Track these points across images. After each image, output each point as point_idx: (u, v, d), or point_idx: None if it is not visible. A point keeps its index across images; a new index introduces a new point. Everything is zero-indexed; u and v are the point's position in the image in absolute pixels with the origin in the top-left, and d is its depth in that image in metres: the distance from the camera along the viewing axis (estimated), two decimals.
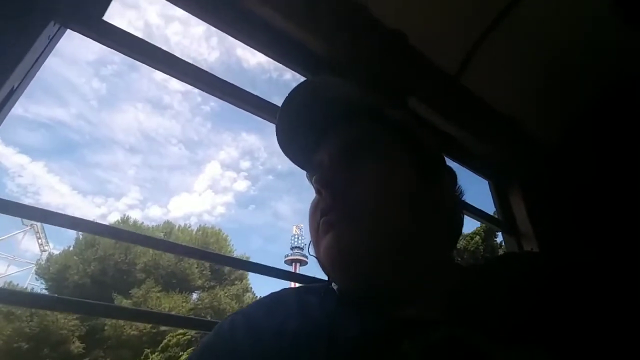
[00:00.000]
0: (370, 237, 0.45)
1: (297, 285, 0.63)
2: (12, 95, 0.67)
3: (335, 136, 0.55)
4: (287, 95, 0.56)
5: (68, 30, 0.75)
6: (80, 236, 20.47)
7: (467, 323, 0.40)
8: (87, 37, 0.76)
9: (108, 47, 0.79)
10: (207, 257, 0.98)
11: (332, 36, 1.06)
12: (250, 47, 1.06)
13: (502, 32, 1.40)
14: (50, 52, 0.73)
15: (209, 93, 0.98)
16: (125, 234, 0.86)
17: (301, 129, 0.57)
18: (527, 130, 1.68)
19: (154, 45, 0.85)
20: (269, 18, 0.99)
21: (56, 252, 22.22)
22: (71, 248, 20.69)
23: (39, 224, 29.97)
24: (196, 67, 0.92)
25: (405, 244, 0.46)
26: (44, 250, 28.92)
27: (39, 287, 20.76)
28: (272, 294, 0.54)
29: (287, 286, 0.59)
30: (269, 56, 1.09)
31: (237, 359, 0.41)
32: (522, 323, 0.40)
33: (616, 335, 0.40)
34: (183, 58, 0.89)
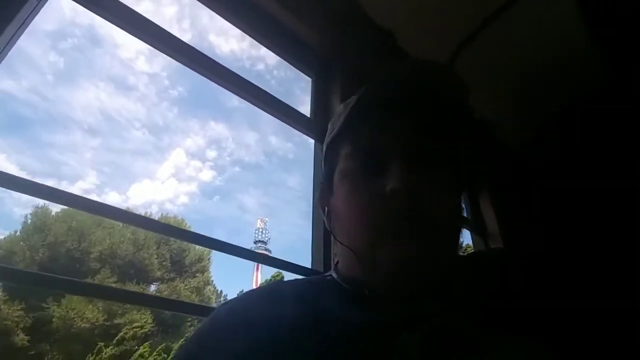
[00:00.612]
0: (438, 252, 0.46)
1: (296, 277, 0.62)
2: None
3: (415, 132, 0.50)
4: (419, 62, 0.51)
5: None
6: (29, 221, 19.25)
7: (458, 313, 0.42)
8: None
9: (90, 10, 0.74)
10: (176, 233, 0.94)
11: (324, 28, 1.06)
12: (237, 26, 1.03)
13: (483, 40, 1.46)
14: (36, 15, 0.68)
15: (186, 65, 0.95)
16: (90, 204, 0.80)
17: (385, 105, 0.51)
18: (499, 135, 1.75)
19: (134, 10, 0.80)
20: (263, 2, 0.97)
21: (1, 237, 20.77)
22: (17, 233, 19.41)
23: None
24: (175, 37, 0.88)
25: (452, 253, 0.50)
26: None
27: None
28: (269, 285, 0.53)
29: (253, 273, 0.57)
30: (255, 39, 1.07)
31: (234, 347, 0.41)
32: (508, 313, 0.44)
33: (592, 320, 0.43)
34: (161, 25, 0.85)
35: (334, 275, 0.53)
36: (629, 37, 1.46)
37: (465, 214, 1.76)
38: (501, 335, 0.41)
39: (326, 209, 0.57)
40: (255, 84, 0.99)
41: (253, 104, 1.00)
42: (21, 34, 0.67)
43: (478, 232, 1.63)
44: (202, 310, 0.84)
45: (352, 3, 1.13)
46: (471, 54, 1.49)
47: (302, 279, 0.56)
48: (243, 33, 1.08)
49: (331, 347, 0.39)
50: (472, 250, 1.79)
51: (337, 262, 0.55)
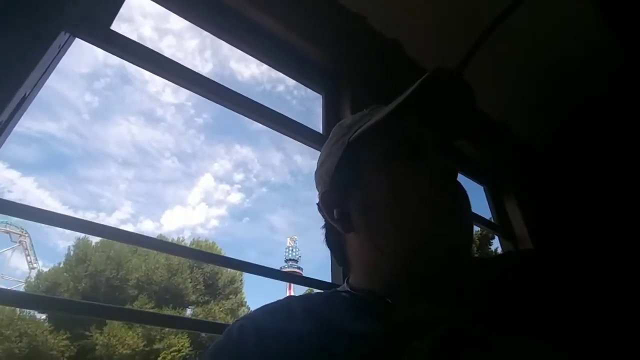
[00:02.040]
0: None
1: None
2: (23, 103, 0.69)
3: (451, 131, 0.60)
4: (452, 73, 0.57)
5: (76, 40, 0.78)
6: (71, 252, 20.11)
7: (470, 314, 0.42)
8: (95, 45, 0.78)
9: (115, 55, 0.81)
10: (206, 257, 0.98)
11: (331, 44, 1.10)
12: (250, 54, 1.09)
13: (493, 42, 1.45)
14: (60, 60, 0.75)
15: (210, 99, 1.01)
16: (124, 235, 0.86)
17: (444, 99, 0.57)
18: (518, 135, 1.72)
19: (160, 54, 0.87)
20: (270, 27, 1.02)
21: (45, 269, 21.77)
22: (61, 265, 20.28)
23: (27, 240, 29.45)
24: (198, 73, 0.95)
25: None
26: (33, 268, 28.33)
27: None
28: (278, 301, 0.54)
29: (286, 291, 0.59)
30: (267, 63, 1.13)
31: None
32: (520, 314, 0.43)
33: (606, 323, 0.42)
34: (184, 64, 0.92)
35: (347, 287, 0.54)
36: None
37: (490, 217, 1.73)
38: (515, 335, 0.40)
39: (335, 211, 0.56)
40: (270, 105, 1.04)
41: (266, 125, 1.05)
42: (46, 79, 0.73)
43: (505, 235, 1.59)
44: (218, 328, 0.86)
45: (356, 17, 1.17)
46: (483, 56, 1.49)
47: (314, 293, 0.57)
48: None
49: (341, 358, 0.40)
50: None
51: (349, 277, 0.56)
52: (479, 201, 1.81)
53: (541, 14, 1.43)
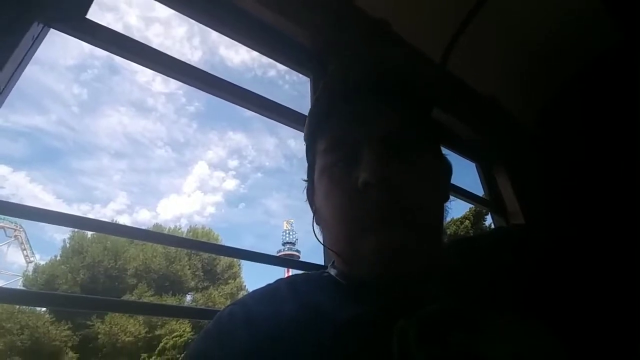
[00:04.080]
0: (421, 238, 0.45)
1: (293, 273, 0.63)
2: None
3: (379, 119, 0.49)
4: (345, 55, 0.53)
5: (50, 32, 0.75)
6: (67, 244, 20.08)
7: (460, 295, 0.42)
8: (71, 35, 0.75)
9: (92, 44, 0.78)
10: (203, 247, 0.99)
11: (318, 27, 1.07)
12: (236, 40, 1.06)
13: (482, 17, 1.43)
14: (34, 52, 0.72)
15: (197, 87, 0.98)
16: (121, 229, 0.86)
17: (348, 95, 0.52)
18: (509, 111, 1.72)
19: (139, 41, 0.84)
20: (255, 11, 0.99)
21: (43, 262, 21.75)
22: (58, 257, 20.27)
23: (23, 234, 29.28)
24: (182, 61, 0.92)
25: (439, 237, 0.49)
26: (30, 262, 28.25)
27: None
28: (268, 285, 0.54)
29: (284, 274, 0.59)
30: (255, 49, 1.10)
31: (237, 347, 0.42)
32: (513, 294, 0.43)
33: (598, 304, 0.42)
34: (167, 53, 0.89)
35: (331, 271, 0.53)
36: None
37: (483, 193, 1.74)
38: (503, 314, 0.40)
39: (314, 207, 0.56)
40: (261, 90, 1.02)
41: (257, 112, 1.03)
42: (22, 71, 0.70)
43: (497, 211, 1.61)
44: (209, 314, 0.87)
45: (344, 0, 1.14)
46: (472, 32, 1.47)
47: (301, 275, 0.57)
48: None
49: (330, 341, 0.40)
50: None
51: (334, 260, 0.56)
52: (471, 178, 1.83)
53: None
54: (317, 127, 0.55)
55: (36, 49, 0.73)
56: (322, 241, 0.54)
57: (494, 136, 1.68)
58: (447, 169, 0.56)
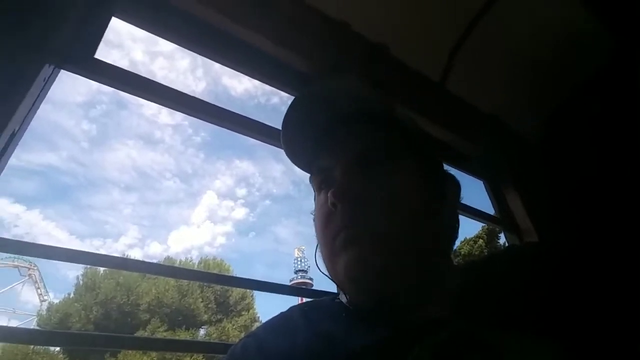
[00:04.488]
0: (391, 254, 0.44)
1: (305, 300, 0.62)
2: (12, 139, 0.69)
3: (347, 142, 0.52)
4: (292, 100, 0.55)
5: (61, 71, 0.78)
6: (80, 282, 20.10)
7: (473, 318, 0.41)
8: (81, 75, 0.79)
9: (102, 83, 0.82)
10: (215, 279, 0.98)
11: (317, 54, 1.10)
12: (238, 71, 1.09)
13: (478, 35, 1.46)
14: (46, 93, 0.76)
15: (202, 119, 1.01)
16: (133, 264, 0.87)
17: (308, 129, 0.55)
18: (513, 127, 1.72)
19: (146, 78, 0.88)
20: (255, 42, 1.03)
21: (56, 300, 21.75)
22: (71, 295, 20.26)
23: (37, 273, 29.47)
24: (188, 95, 0.95)
25: (421, 255, 0.47)
26: (44, 300, 28.29)
27: None
28: (280, 314, 0.55)
29: (298, 302, 0.59)
30: (257, 79, 1.13)
31: None
32: (528, 314, 0.41)
33: (615, 323, 0.41)
34: (173, 87, 0.92)
35: (342, 297, 0.53)
36: (629, 8, 1.43)
37: (493, 212, 1.71)
38: (519, 336, 0.39)
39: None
40: (265, 117, 1.05)
41: (261, 140, 1.05)
42: (35, 112, 0.73)
43: (509, 228, 1.58)
44: (223, 348, 0.86)
45: (341, 25, 1.18)
46: (470, 51, 1.49)
47: (313, 302, 0.57)
48: None
49: None
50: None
51: None
52: (482, 196, 1.81)
53: (524, 9, 1.44)
54: (303, 159, 0.58)
55: (48, 90, 0.76)
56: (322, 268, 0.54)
57: (500, 153, 1.68)
58: (440, 186, 0.54)
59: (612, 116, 1.53)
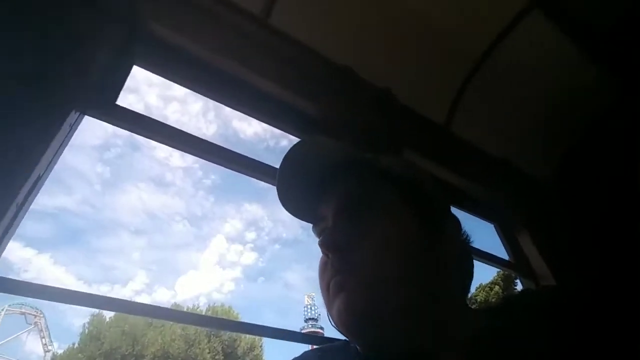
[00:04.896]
0: (381, 300, 0.44)
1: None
2: (38, 183, 0.72)
3: (335, 192, 0.54)
4: (285, 153, 0.58)
5: (85, 117, 0.84)
6: (86, 330, 19.64)
7: None
8: (103, 120, 0.85)
9: (122, 128, 0.87)
10: (223, 325, 0.97)
11: (324, 99, 1.15)
12: (247, 114, 1.15)
13: (482, 79, 1.52)
14: (71, 138, 0.80)
15: (213, 162, 1.05)
16: (137, 307, 0.86)
17: (300, 184, 0.57)
18: (523, 170, 1.72)
19: (161, 122, 0.93)
20: (264, 88, 1.09)
21: (60, 351, 21.16)
22: (75, 345, 19.72)
23: (42, 321, 28.95)
24: (199, 138, 1.00)
25: (417, 301, 0.46)
26: (48, 350, 27.54)
27: None
28: (295, 359, 0.55)
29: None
30: (265, 122, 1.19)
31: None
32: None
33: None
34: (188, 132, 0.97)
35: None
36: (625, 52, 1.48)
37: (507, 257, 1.67)
38: None
39: None
40: (275, 161, 1.09)
41: (271, 184, 1.08)
42: (59, 157, 0.77)
43: (524, 273, 1.53)
44: None
45: (346, 70, 1.24)
46: (475, 94, 1.54)
47: (328, 346, 0.58)
48: None
49: None
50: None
51: None
52: (493, 240, 1.77)
53: (527, 52, 1.50)
54: (303, 212, 0.60)
55: (72, 136, 0.81)
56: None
57: (510, 196, 1.67)
58: (439, 229, 0.53)
59: (622, 155, 1.53)
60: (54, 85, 0.73)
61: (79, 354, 18.95)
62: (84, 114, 0.81)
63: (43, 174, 0.73)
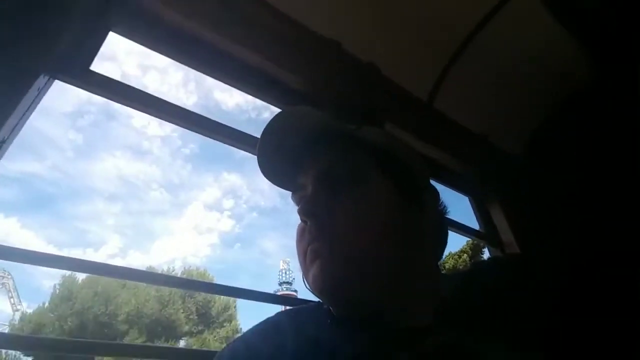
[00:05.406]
0: (356, 267, 0.45)
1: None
2: (1, 147, 0.68)
3: (315, 161, 0.55)
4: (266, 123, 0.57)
5: (55, 81, 0.78)
6: (56, 291, 19.43)
7: (458, 327, 0.42)
8: (75, 86, 0.79)
9: (96, 94, 0.82)
10: (196, 286, 0.97)
11: (308, 72, 1.13)
12: (229, 85, 1.11)
13: (465, 57, 1.51)
14: (39, 103, 0.75)
15: (193, 130, 1.02)
16: (111, 270, 0.85)
17: (281, 153, 0.57)
18: (497, 145, 1.78)
19: (139, 90, 0.88)
20: (248, 58, 1.05)
21: (30, 310, 20.94)
22: (46, 305, 19.55)
23: (10, 282, 28.37)
24: (178, 106, 0.96)
25: (391, 267, 0.47)
26: (17, 310, 27.19)
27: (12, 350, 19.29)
28: (267, 319, 0.55)
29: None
30: (248, 93, 1.15)
31: None
32: (511, 324, 0.43)
33: (596, 333, 0.42)
34: (166, 99, 0.93)
35: None
36: (605, 32, 1.50)
37: (478, 227, 1.75)
38: (503, 347, 0.40)
39: None
40: (256, 132, 1.06)
41: (251, 153, 1.06)
42: (25, 121, 0.73)
43: (493, 242, 1.62)
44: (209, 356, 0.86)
45: (331, 43, 1.20)
46: (457, 71, 1.54)
47: (302, 307, 0.59)
48: None
49: None
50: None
51: None
52: (466, 211, 1.85)
53: (512, 32, 1.50)
54: (283, 180, 0.61)
55: (40, 100, 0.76)
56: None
57: (485, 169, 1.73)
58: (416, 199, 0.55)
59: (590, 133, 1.60)
60: (20, 48, 0.68)
61: (50, 314, 18.84)
62: (55, 78, 0.76)
63: (7, 137, 0.70)
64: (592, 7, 1.50)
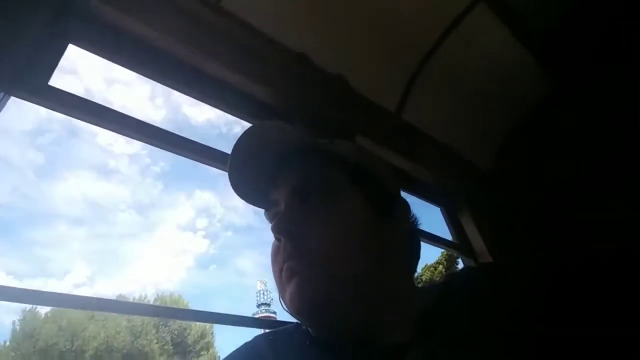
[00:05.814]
0: (330, 284, 0.45)
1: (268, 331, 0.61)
2: None
3: (287, 177, 0.54)
4: (236, 140, 0.56)
5: (11, 98, 0.75)
6: (17, 327, 18.13)
7: (438, 340, 0.42)
8: (33, 102, 0.76)
9: (56, 111, 0.79)
10: (170, 313, 0.93)
11: (277, 85, 1.13)
12: (199, 100, 1.10)
13: (431, 68, 1.58)
14: None
15: (162, 148, 0.99)
16: (76, 300, 0.80)
17: (252, 170, 0.57)
18: (465, 156, 1.83)
19: (102, 105, 0.86)
20: (217, 73, 1.05)
21: None
22: (7, 343, 18.17)
23: None
24: (146, 122, 0.94)
25: (366, 283, 0.47)
26: None
27: None
28: (245, 344, 0.54)
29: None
30: (217, 108, 1.14)
31: None
32: (487, 333, 0.42)
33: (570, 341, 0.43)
34: (132, 115, 0.91)
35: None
36: (561, 48, 1.60)
37: (451, 238, 1.78)
38: (481, 357, 0.40)
39: None
40: (227, 148, 1.05)
41: (221, 169, 1.04)
42: None
43: (466, 253, 1.65)
44: None
45: (300, 56, 1.22)
46: (425, 83, 1.60)
47: (279, 330, 0.57)
48: None
49: None
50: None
51: None
52: (439, 222, 1.88)
53: (473, 44, 1.58)
54: (256, 197, 0.59)
55: None
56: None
57: (455, 181, 1.77)
58: (388, 212, 0.55)
59: (553, 145, 1.68)
60: None
61: (12, 353, 17.51)
62: (10, 94, 0.72)
63: None
64: (546, 25, 1.60)
